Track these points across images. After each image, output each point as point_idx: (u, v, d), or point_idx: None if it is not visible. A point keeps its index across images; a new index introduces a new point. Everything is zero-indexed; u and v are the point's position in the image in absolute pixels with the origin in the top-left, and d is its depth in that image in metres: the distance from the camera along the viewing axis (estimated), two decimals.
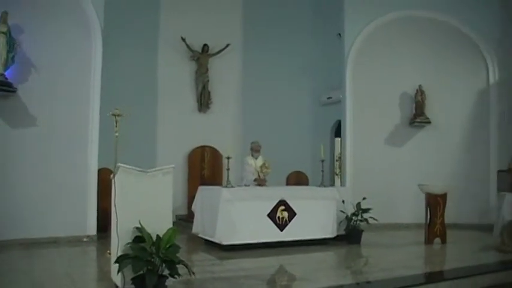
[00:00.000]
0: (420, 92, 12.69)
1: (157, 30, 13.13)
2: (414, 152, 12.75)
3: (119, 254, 5.29)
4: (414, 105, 12.77)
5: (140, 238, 5.24)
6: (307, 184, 12.88)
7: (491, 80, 12.85)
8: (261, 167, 9.89)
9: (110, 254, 7.81)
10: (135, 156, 11.01)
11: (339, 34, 13.19)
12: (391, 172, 12.55)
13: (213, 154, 13.51)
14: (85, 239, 9.70)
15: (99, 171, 10.14)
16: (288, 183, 12.95)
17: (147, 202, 5.40)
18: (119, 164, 5.40)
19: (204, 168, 13.32)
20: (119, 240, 5.32)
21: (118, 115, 8.39)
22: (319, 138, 13.97)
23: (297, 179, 13.24)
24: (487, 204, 12.42)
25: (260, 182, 9.72)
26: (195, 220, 9.60)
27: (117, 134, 8.40)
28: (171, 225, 5.48)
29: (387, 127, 12.90)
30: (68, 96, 9.95)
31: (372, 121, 12.70)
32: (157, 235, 5.24)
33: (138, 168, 5.45)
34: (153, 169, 5.56)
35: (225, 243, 8.61)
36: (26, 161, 9.48)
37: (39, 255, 8.48)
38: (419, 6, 12.80)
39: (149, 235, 5.20)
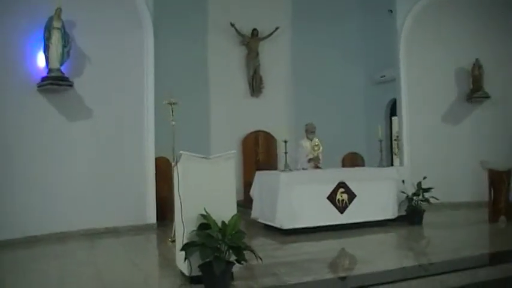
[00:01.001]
0: (477, 66, 12.24)
1: (206, 17, 13.04)
2: (472, 128, 12.36)
3: (185, 241, 5.29)
4: (471, 80, 12.34)
5: (205, 225, 5.23)
6: (363, 165, 12.71)
7: None
8: (313, 147, 9.74)
9: (171, 241, 7.95)
10: (190, 144, 10.84)
11: (390, 10, 12.78)
12: (449, 150, 12.21)
13: (267, 138, 13.42)
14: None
15: (156, 160, 10.22)
16: (343, 165, 12.80)
17: (210, 189, 5.38)
18: (181, 152, 5.39)
19: (259, 153, 13.23)
20: (185, 228, 5.33)
21: (173, 103, 8.44)
22: (374, 118, 13.79)
23: (353, 160, 13.09)
24: None
25: (315, 161, 9.62)
26: (253, 205, 9.58)
27: (173, 123, 8.45)
28: (235, 211, 5.45)
29: (444, 104, 12.51)
30: (123, 87, 10.05)
31: (428, 98, 12.33)
32: (223, 221, 5.22)
33: (200, 155, 5.44)
34: (215, 155, 5.54)
35: (285, 227, 8.58)
36: (83, 153, 9.62)
37: (101, 245, 8.67)
38: None
39: (215, 222, 5.18)
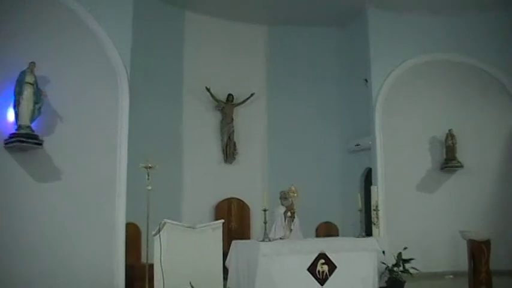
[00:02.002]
0: (450, 136, 12.42)
1: (181, 80, 12.89)
2: (447, 197, 12.39)
3: None
4: (445, 149, 12.48)
5: None
6: (337, 236, 12.44)
7: None
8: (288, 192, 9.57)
9: None
10: (161, 209, 10.60)
11: (365, 80, 12.94)
12: (426, 219, 12.13)
13: (240, 206, 13.09)
14: None
15: (126, 226, 9.74)
16: (317, 235, 12.49)
17: (196, 260, 5.04)
18: (165, 220, 5.04)
19: (232, 222, 12.80)
20: None
21: (150, 167, 8.08)
22: (349, 187, 13.63)
23: (327, 230, 12.79)
24: None
25: (289, 208, 9.52)
26: (229, 275, 9.04)
27: (149, 187, 8.05)
28: (222, 285, 5.07)
29: (419, 173, 12.58)
30: (95, 148, 9.66)
31: (403, 167, 12.36)
32: None
33: (186, 224, 5.09)
34: (202, 224, 5.20)
35: None
36: (50, 216, 9.08)
37: None
38: (446, 49, 12.74)
39: None
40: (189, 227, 5.01)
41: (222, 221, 5.25)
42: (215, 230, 5.09)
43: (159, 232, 5.15)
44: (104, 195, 9.64)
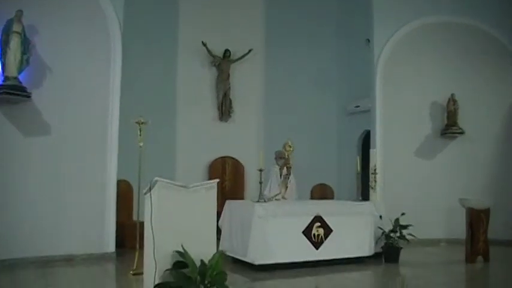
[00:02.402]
0: (452, 101, 12.03)
1: (176, 35, 12.46)
2: (446, 164, 12.06)
3: (157, 281, 4.60)
4: (446, 114, 12.12)
5: (182, 264, 4.56)
6: (332, 198, 12.31)
7: None
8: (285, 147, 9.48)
9: (133, 274, 7.22)
10: (153, 167, 10.42)
11: (368, 40, 12.54)
12: (423, 185, 11.86)
13: (235, 165, 12.85)
14: None
15: (117, 183, 9.50)
16: (312, 197, 12.34)
17: (188, 222, 4.73)
18: (157, 178, 4.72)
19: (225, 181, 12.57)
20: (157, 266, 4.65)
21: (143, 123, 7.80)
22: (346, 150, 13.53)
23: (322, 192, 12.69)
24: None
25: (286, 162, 9.43)
26: (222, 236, 8.92)
27: (141, 144, 7.82)
28: (215, 248, 4.80)
29: (418, 138, 12.23)
30: (85, 103, 9.30)
31: (402, 132, 12.04)
32: (202, 260, 4.57)
33: (178, 183, 4.78)
34: (195, 184, 4.88)
35: (257, 263, 7.94)
36: (38, 173, 8.80)
37: (54, 274, 7.84)
38: (451, 11, 12.19)
39: (193, 261, 4.52)
40: (182, 186, 4.70)
41: (217, 180, 4.93)
42: (209, 190, 4.77)
43: (150, 191, 4.83)
44: (95, 151, 9.36)
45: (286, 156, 9.46)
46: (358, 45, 13.16)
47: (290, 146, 9.49)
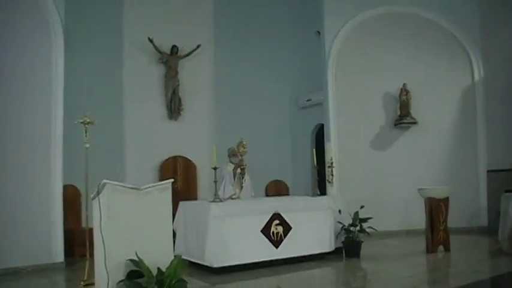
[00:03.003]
0: (405, 91, 11.98)
1: (121, 30, 11.89)
2: (401, 154, 12.05)
3: None
4: (399, 105, 12.05)
5: (136, 273, 4.16)
6: (287, 194, 12.04)
7: (476, 77, 12.26)
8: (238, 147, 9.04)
9: (83, 285, 6.75)
10: (102, 170, 10.01)
11: (318, 32, 12.45)
12: (379, 177, 11.85)
13: (186, 165, 12.38)
14: None
15: (63, 188, 8.96)
16: (267, 194, 12.07)
17: (142, 227, 4.35)
18: (105, 180, 4.30)
19: (178, 181, 12.07)
20: (109, 277, 4.23)
21: (88, 123, 7.30)
22: (300, 144, 13.37)
23: (277, 188, 12.46)
24: (478, 206, 11.90)
25: (239, 163, 8.98)
26: (176, 240, 8.49)
27: (87, 145, 7.33)
28: (172, 254, 4.41)
29: (372, 129, 12.19)
30: (26, 104, 8.72)
31: (356, 124, 11.99)
32: (159, 268, 4.18)
33: (129, 185, 4.37)
34: (148, 185, 4.48)
35: (216, 265, 7.58)
36: None
37: None
38: (401, 2, 12.18)
39: (148, 269, 4.12)
40: (133, 188, 4.29)
41: (171, 180, 4.55)
42: (163, 192, 4.39)
43: (98, 195, 4.40)
44: (38, 154, 8.77)
45: (240, 157, 9.08)
46: (309, 37, 13.08)
47: (244, 147, 9.08)
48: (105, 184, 4.27)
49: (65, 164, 8.92)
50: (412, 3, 12.15)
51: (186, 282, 4.33)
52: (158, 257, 4.27)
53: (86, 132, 7.26)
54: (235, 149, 9.33)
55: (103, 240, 4.26)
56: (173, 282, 4.11)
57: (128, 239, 4.24)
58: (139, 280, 4.11)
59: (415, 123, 11.94)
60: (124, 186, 4.31)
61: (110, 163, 11.09)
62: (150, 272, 4.12)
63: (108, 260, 4.27)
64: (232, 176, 9.12)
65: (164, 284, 4.08)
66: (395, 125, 12.07)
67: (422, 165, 11.83)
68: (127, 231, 4.29)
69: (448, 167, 11.98)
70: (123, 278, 4.21)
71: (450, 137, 12.19)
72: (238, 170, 8.99)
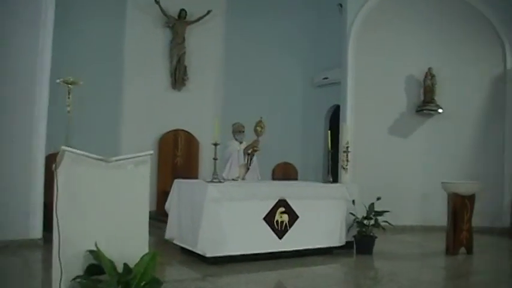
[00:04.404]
0: (430, 75, 11.04)
1: None
2: (422, 143, 11.15)
3: None
4: (423, 90, 11.14)
5: (97, 268, 3.22)
6: (296, 178, 11.12)
7: (509, 65, 11.21)
8: (256, 127, 8.35)
9: None
10: (94, 141, 9.68)
11: (340, 4, 11.52)
12: (396, 166, 10.95)
13: (188, 140, 11.63)
14: None
15: (46, 157, 8.03)
16: (274, 177, 11.12)
17: (109, 209, 3.37)
18: (64, 147, 3.35)
19: (177, 156, 11.43)
20: (63, 271, 3.28)
21: (71, 83, 6.33)
22: (312, 125, 12.71)
23: (285, 171, 11.53)
24: (501, 205, 10.95)
25: (254, 145, 8.32)
26: (169, 222, 7.63)
27: (69, 109, 6.30)
28: (146, 246, 3.46)
29: (392, 114, 11.25)
30: (9, 65, 7.89)
31: (375, 107, 11.09)
32: (125, 264, 3.23)
33: (95, 155, 3.41)
34: (120, 157, 3.52)
35: (210, 255, 6.66)
36: None
37: None
38: None
39: (112, 264, 3.18)
40: (100, 160, 3.35)
41: (151, 152, 3.58)
42: (140, 166, 3.46)
43: (57, 166, 3.44)
44: (19, 118, 7.93)
45: (256, 138, 8.30)
46: (329, 10, 12.22)
47: (261, 126, 8.33)
48: (64, 152, 3.32)
49: (50, 130, 8.05)
50: None
51: (161, 283, 3.39)
52: (128, 250, 3.35)
53: (68, 94, 6.26)
54: (241, 125, 8.58)
55: (58, 225, 3.32)
56: (142, 284, 3.17)
57: (90, 224, 3.32)
58: (99, 277, 3.18)
59: (439, 110, 11.01)
60: (88, 157, 3.36)
61: (104, 134, 10.51)
62: (113, 268, 3.20)
63: (63, 250, 3.34)
64: (241, 156, 8.26)
65: (131, 285, 3.13)
66: (417, 111, 11.18)
67: (444, 157, 10.96)
68: (90, 214, 3.36)
69: (472, 161, 11.05)
70: (81, 272, 3.27)
71: (476, 128, 11.25)
72: (250, 150, 8.12)
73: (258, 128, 8.25)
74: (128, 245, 3.38)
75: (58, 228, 3.35)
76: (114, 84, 10.89)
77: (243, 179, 8.04)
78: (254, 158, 8.39)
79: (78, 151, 3.40)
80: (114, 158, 3.48)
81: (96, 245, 3.21)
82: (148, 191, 3.60)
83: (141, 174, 3.54)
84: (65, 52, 9.14)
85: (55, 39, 8.27)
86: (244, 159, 8.27)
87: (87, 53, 10.32)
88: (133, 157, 3.54)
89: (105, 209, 3.41)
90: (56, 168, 3.58)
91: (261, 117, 8.35)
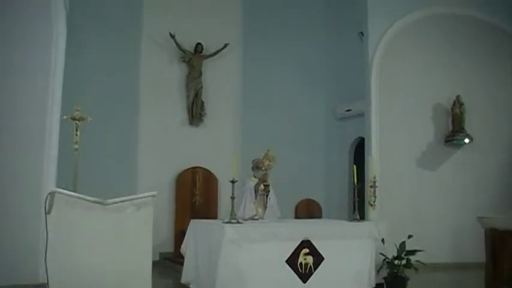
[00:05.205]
0: (458, 103, 10.61)
1: (140, 23, 10.84)
2: (451, 176, 10.65)
3: None
4: (451, 119, 10.70)
5: None
6: (320, 215, 10.57)
7: None
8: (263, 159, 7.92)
9: None
10: (109, 180, 9.05)
11: (361, 33, 11.13)
12: (425, 201, 10.46)
13: (207, 177, 11.15)
14: None
15: None
16: (297, 215, 10.59)
17: (105, 257, 2.92)
18: (54, 189, 2.93)
19: (196, 195, 10.94)
20: None
21: (79, 119, 6.02)
22: (335, 159, 12.22)
23: (309, 209, 10.92)
24: None
25: (263, 178, 7.82)
26: (185, 265, 7.15)
27: (76, 146, 6.05)
28: None
29: (419, 146, 10.78)
30: (19, 99, 7.62)
31: (401, 138, 10.65)
32: None
33: (90, 198, 2.98)
34: (119, 198, 3.09)
35: None
36: None
37: None
38: (456, 2, 10.90)
39: None
40: (96, 202, 2.91)
41: (154, 193, 3.15)
42: (142, 209, 3.05)
43: (47, 210, 3.03)
44: (29, 157, 7.61)
45: (264, 171, 7.83)
46: (351, 39, 11.83)
47: (270, 159, 7.88)
48: (54, 194, 2.90)
49: (61, 168, 7.66)
50: (468, 4, 10.90)
51: None
52: None
53: (76, 131, 6.00)
54: (260, 160, 7.99)
55: (47, 274, 2.88)
56: None
57: (84, 274, 2.85)
58: None
59: (470, 140, 10.54)
60: (82, 199, 2.93)
61: (120, 173, 10.14)
62: None
63: None
64: (253, 192, 7.77)
65: None
66: (446, 141, 10.73)
67: (475, 189, 10.50)
68: (84, 264, 2.90)
69: (506, 193, 10.50)
70: None
71: (510, 158, 10.74)
72: (262, 187, 7.64)
73: (266, 162, 7.84)
74: None
75: (47, 278, 2.91)
76: (129, 121, 10.55)
77: (262, 218, 7.54)
78: (271, 195, 7.91)
79: (71, 193, 2.99)
80: (112, 200, 3.06)
81: None
82: (151, 237, 3.16)
83: (143, 218, 3.10)
84: (77, 86, 8.87)
85: (66, 73, 8.00)
86: (257, 197, 7.79)
87: (100, 87, 10.06)
88: (134, 199, 3.11)
89: (101, 257, 2.97)
90: (47, 212, 3.17)
91: (268, 150, 7.96)
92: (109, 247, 3.02)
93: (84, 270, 2.97)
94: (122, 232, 3.06)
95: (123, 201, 3.10)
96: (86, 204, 3.00)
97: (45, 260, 2.96)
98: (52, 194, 2.97)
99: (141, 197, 3.15)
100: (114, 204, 3.07)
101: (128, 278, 3.00)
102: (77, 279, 2.95)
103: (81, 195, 3.02)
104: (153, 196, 3.21)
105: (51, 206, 3.06)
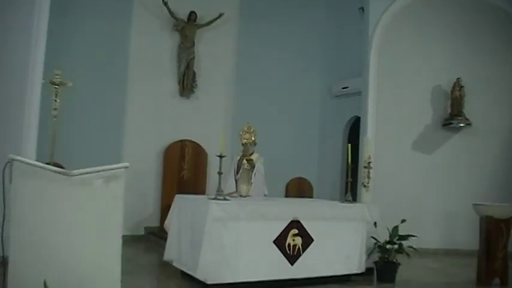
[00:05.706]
0: (458, 86, 10.32)
1: None
2: (448, 160, 10.44)
3: None
4: (450, 102, 10.44)
5: None
6: (311, 195, 10.32)
7: None
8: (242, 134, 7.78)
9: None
10: (93, 152, 8.79)
11: (361, 9, 10.89)
12: (420, 185, 10.29)
13: (196, 151, 10.85)
14: None
15: None
16: (287, 193, 10.33)
17: (68, 235, 2.59)
18: (12, 156, 2.59)
19: (184, 169, 10.66)
20: None
21: (59, 84, 5.63)
22: (329, 138, 11.98)
23: (300, 187, 10.69)
24: None
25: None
26: (168, 242, 6.85)
27: (55, 113, 5.64)
28: (119, 283, 2.67)
29: (416, 129, 10.58)
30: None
31: (398, 120, 10.45)
32: None
33: (53, 167, 2.64)
34: (85, 170, 2.74)
35: (210, 282, 5.85)
36: None
37: None
38: None
39: None
40: (59, 173, 2.56)
41: (126, 164, 2.80)
42: (111, 182, 2.70)
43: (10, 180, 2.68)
44: (7, 126, 7.22)
45: (245, 145, 7.67)
46: (350, 14, 11.59)
47: (249, 133, 7.65)
48: (12, 161, 2.55)
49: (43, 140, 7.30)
50: None
51: None
52: (94, 286, 2.54)
53: (55, 96, 5.59)
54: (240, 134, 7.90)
55: (2, 252, 2.55)
56: None
57: (45, 252, 2.52)
58: None
59: (468, 124, 10.31)
60: (44, 168, 2.59)
61: (105, 144, 9.77)
62: None
63: (12, 281, 2.56)
64: (236, 167, 7.63)
65: None
66: (443, 125, 10.49)
67: (472, 175, 10.32)
68: (46, 240, 2.57)
69: (504, 180, 10.28)
70: None
71: (508, 144, 10.49)
72: (245, 162, 7.37)
73: (246, 135, 7.66)
74: (94, 281, 2.60)
75: (3, 254, 2.59)
76: (116, 89, 10.19)
77: (245, 195, 7.22)
78: (258, 171, 7.66)
79: (31, 161, 2.64)
80: (77, 171, 2.71)
81: (45, 283, 2.44)
82: (122, 213, 2.83)
83: (112, 192, 2.75)
84: (63, 54, 8.51)
85: (51, 40, 7.60)
86: (239, 172, 7.60)
87: (87, 55, 9.69)
88: (103, 170, 2.76)
89: (64, 234, 2.63)
90: (7, 181, 2.82)
91: (247, 122, 7.79)
92: (73, 224, 2.69)
93: (46, 248, 2.65)
94: (87, 208, 2.73)
95: (90, 172, 2.76)
96: (48, 174, 2.66)
97: (1, 234, 2.62)
98: (10, 159, 2.62)
99: (112, 169, 2.81)
100: (80, 176, 2.73)
101: (94, 259, 2.67)
102: (35, 256, 2.63)
103: (42, 164, 2.68)
104: (125, 168, 2.87)
105: (4, 173, 2.72)
